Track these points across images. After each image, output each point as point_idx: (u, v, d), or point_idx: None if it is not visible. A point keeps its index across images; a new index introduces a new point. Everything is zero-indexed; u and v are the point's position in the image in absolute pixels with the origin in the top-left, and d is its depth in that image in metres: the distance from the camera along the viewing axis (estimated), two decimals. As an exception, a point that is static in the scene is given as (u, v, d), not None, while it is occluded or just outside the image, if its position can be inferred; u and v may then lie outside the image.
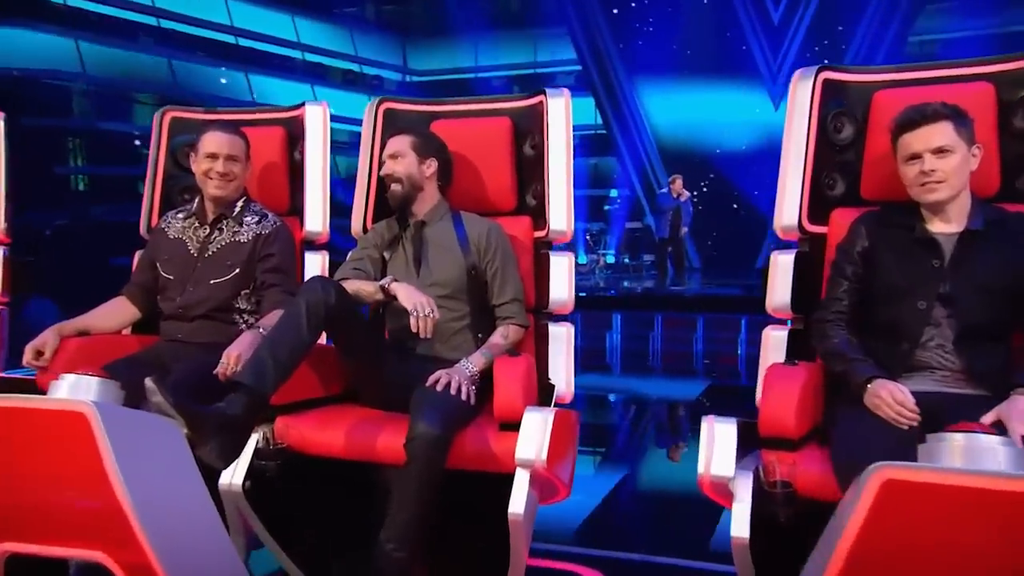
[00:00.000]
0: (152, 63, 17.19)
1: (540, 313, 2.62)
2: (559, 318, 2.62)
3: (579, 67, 19.40)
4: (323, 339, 2.39)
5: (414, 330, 2.25)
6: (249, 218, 2.75)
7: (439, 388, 2.26)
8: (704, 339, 9.11)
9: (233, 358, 2.28)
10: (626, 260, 17.33)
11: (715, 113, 17.60)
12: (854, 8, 17.01)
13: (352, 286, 2.42)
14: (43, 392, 2.23)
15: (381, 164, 2.67)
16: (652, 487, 3.98)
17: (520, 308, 2.56)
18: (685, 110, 17.78)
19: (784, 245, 2.37)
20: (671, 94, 17.99)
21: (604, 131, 19.10)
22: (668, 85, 18.02)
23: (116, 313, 2.78)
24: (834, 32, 17.26)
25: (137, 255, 3.00)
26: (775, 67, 17.77)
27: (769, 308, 2.34)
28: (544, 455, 2.07)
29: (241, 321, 2.70)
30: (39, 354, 2.49)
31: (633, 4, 18.40)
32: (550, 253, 2.61)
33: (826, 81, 2.34)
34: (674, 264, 13.09)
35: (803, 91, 2.33)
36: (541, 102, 2.67)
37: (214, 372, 2.30)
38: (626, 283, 14.88)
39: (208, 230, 2.75)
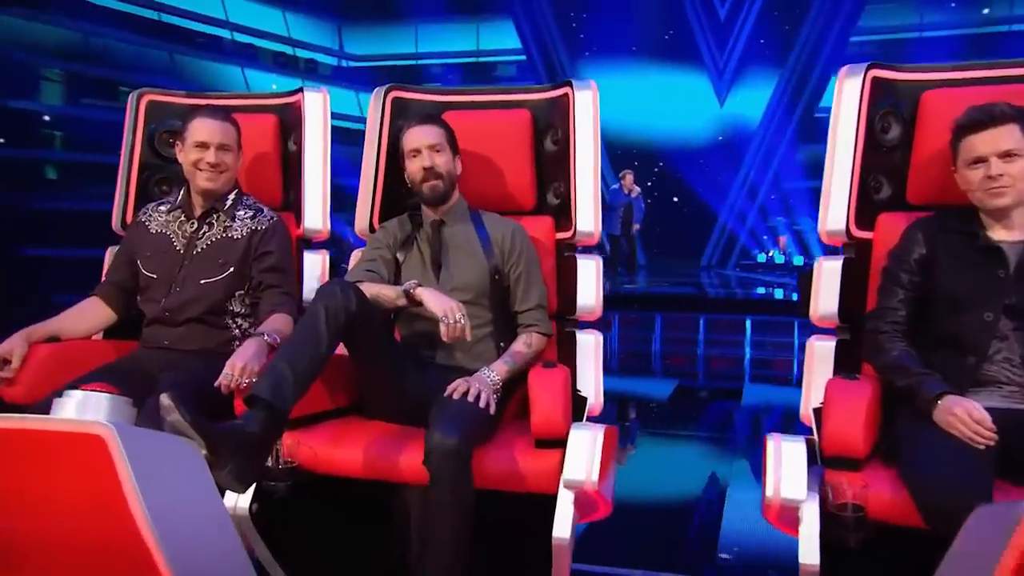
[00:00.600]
0: (66, 37, 16.37)
1: (563, 320, 2.53)
2: (584, 325, 2.53)
3: (523, 57, 19.36)
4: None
5: (444, 338, 2.14)
6: (242, 212, 2.58)
7: (456, 396, 2.15)
8: (661, 339, 9.16)
9: (238, 368, 2.14)
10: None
11: (661, 107, 17.80)
12: (799, 5, 17.41)
13: (371, 290, 2.28)
14: (13, 408, 2.10)
15: (392, 156, 2.53)
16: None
17: (544, 315, 2.46)
18: (631, 104, 17.91)
19: (829, 251, 2.33)
20: (617, 87, 18.08)
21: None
22: (614, 78, 18.13)
23: (89, 316, 2.58)
24: (780, 29, 17.63)
25: (110, 251, 2.80)
26: (721, 63, 18.07)
27: (814, 317, 2.30)
28: (596, 475, 1.98)
29: (234, 325, 2.53)
30: (5, 363, 2.30)
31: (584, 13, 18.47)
32: (577, 256, 2.51)
33: (875, 79, 2.30)
34: (626, 262, 13.16)
35: (851, 89, 2.29)
36: (567, 94, 2.58)
37: (216, 384, 2.15)
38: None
39: (196, 225, 2.57)
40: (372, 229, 2.67)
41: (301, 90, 2.80)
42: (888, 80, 2.32)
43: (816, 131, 17.91)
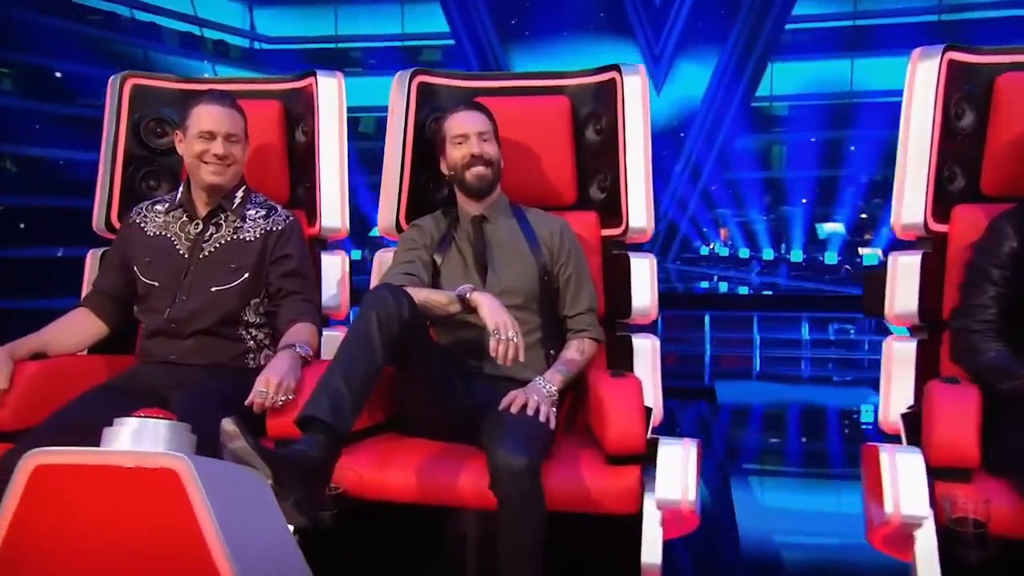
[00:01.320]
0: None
1: (613, 324, 2.44)
2: (636, 329, 2.45)
3: (452, 41, 19.20)
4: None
5: (493, 354, 2.02)
6: (253, 211, 2.40)
7: (514, 410, 2.05)
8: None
9: (274, 385, 2.01)
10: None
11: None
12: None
13: (418, 295, 2.13)
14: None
15: (425, 145, 2.38)
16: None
17: (595, 319, 2.37)
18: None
19: (903, 245, 2.30)
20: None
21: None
22: (546, 64, 18.13)
23: (78, 329, 2.38)
24: (716, 15, 17.96)
25: (93, 255, 2.59)
26: (657, 50, 18.29)
27: (889, 316, 2.26)
28: (692, 493, 1.90)
29: (248, 337, 2.36)
30: None
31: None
32: (630, 255, 2.43)
33: (951, 62, 2.28)
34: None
35: (926, 73, 2.25)
36: (613, 80, 2.49)
37: (247, 402, 2.01)
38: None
39: (201, 226, 2.37)
40: (399, 228, 2.53)
41: (313, 74, 2.62)
42: (965, 63, 2.30)
43: (759, 121, 18.36)
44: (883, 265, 2.31)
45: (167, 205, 2.42)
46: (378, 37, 20.57)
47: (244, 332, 2.35)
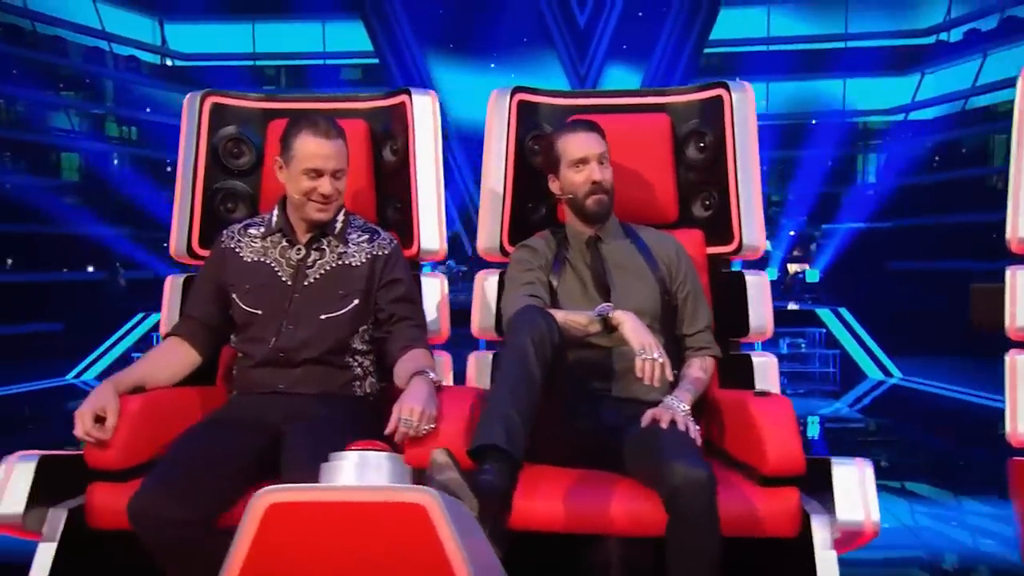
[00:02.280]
0: None
1: (725, 342, 2.42)
2: (746, 347, 2.44)
3: (376, 60, 19.02)
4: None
5: (640, 374, 1.98)
6: (355, 235, 2.29)
7: (665, 425, 2.00)
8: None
9: (417, 413, 1.92)
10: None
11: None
12: (656, 15, 18.24)
13: (558, 316, 2.07)
14: (104, 472, 1.91)
15: (537, 164, 2.32)
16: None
17: (712, 337, 2.35)
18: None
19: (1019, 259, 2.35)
20: (477, 96, 18.09)
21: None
22: (472, 85, 18.14)
23: (174, 360, 2.23)
24: (639, 38, 18.38)
25: (171, 282, 2.45)
26: (583, 70, 18.57)
27: (1010, 330, 2.32)
28: (876, 513, 1.88)
29: (355, 364, 2.25)
30: (99, 419, 1.95)
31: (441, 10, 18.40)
32: (745, 272, 2.42)
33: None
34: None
35: None
36: (720, 96, 2.48)
37: (387, 432, 1.92)
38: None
39: (303, 251, 2.25)
40: (502, 251, 2.47)
41: (406, 92, 2.53)
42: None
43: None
44: (993, 280, 2.36)
45: (262, 229, 2.29)
46: (298, 55, 20.18)
47: (352, 360, 2.24)
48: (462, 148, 17.87)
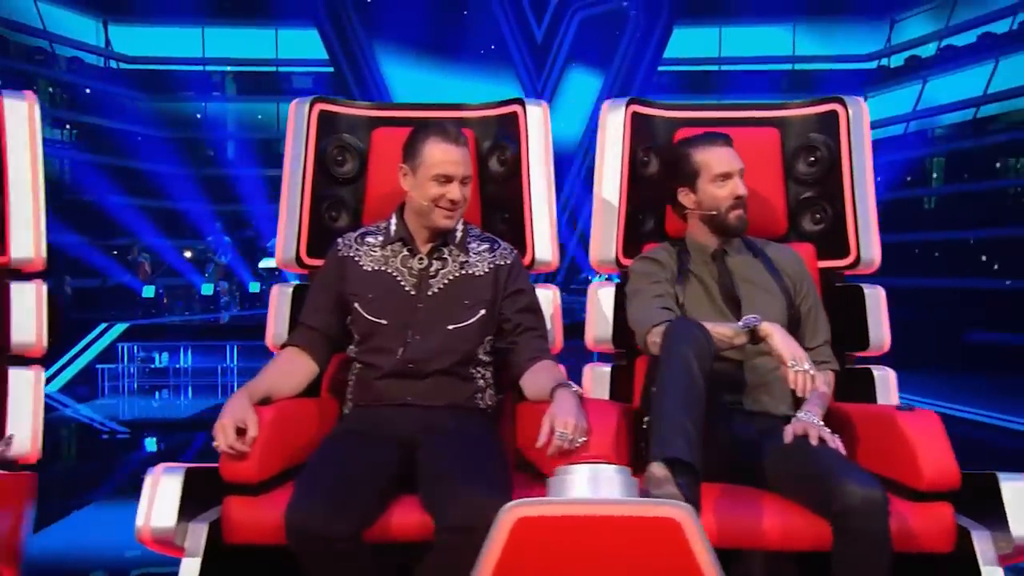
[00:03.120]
0: None
1: (841, 356, 2.41)
2: (865, 360, 2.45)
3: (331, 68, 18.81)
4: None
5: (792, 386, 1.97)
6: (475, 244, 2.25)
7: (814, 441, 1.98)
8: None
9: (571, 426, 1.87)
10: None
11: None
12: (615, 29, 18.46)
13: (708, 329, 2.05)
14: (239, 486, 1.86)
15: (651, 175, 2.30)
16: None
17: (831, 351, 2.35)
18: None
19: None
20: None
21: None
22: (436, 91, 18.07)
23: (296, 371, 2.16)
24: (598, 53, 18.58)
25: (278, 292, 2.40)
26: (540, 84, 18.66)
27: None
28: (1048, 530, 1.89)
29: (478, 375, 2.20)
30: (241, 432, 1.88)
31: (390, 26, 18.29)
32: (863, 286, 2.43)
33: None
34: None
35: None
36: (834, 111, 2.49)
37: (538, 444, 1.87)
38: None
39: (425, 261, 2.19)
40: (618, 262, 2.46)
41: (519, 101, 2.50)
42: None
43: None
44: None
45: (381, 238, 2.23)
46: (249, 61, 19.80)
47: (475, 371, 2.19)
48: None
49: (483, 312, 2.17)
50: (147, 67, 19.55)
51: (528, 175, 2.47)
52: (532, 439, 2.06)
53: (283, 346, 2.20)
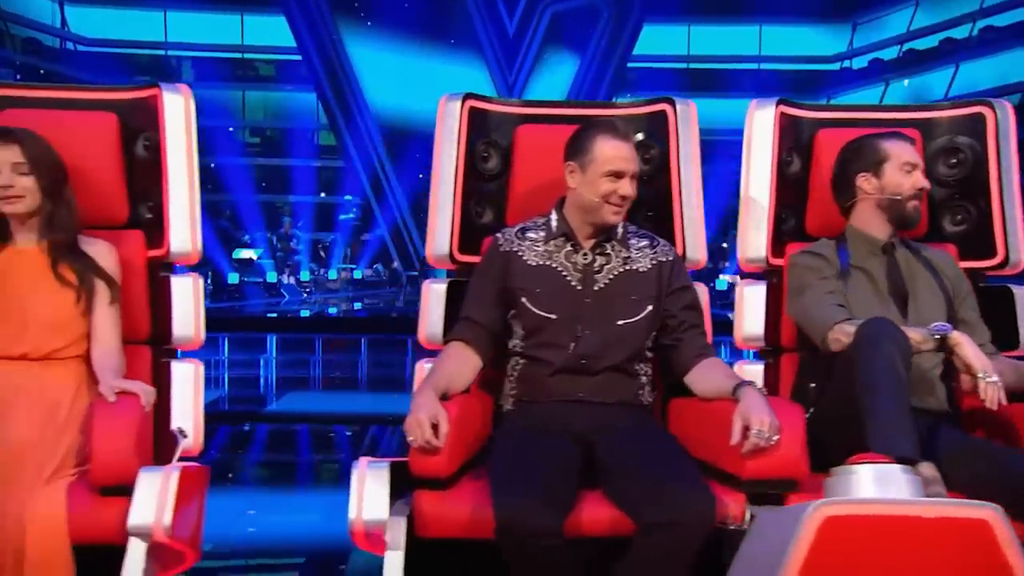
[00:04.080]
0: None
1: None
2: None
3: (299, 56, 18.43)
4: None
5: (982, 397, 1.99)
6: (634, 240, 2.24)
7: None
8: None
9: (767, 424, 1.85)
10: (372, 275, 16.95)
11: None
12: (585, 24, 18.44)
13: None
14: (428, 480, 1.83)
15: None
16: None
17: (994, 348, 2.34)
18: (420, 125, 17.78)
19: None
20: (404, 106, 17.63)
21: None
22: (399, 91, 17.80)
23: (466, 366, 2.14)
24: (569, 47, 18.54)
25: (430, 289, 2.40)
26: (511, 78, 18.56)
27: None
28: None
29: (642, 372, 2.19)
30: (435, 427, 1.84)
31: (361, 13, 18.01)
32: (1012, 287, 2.44)
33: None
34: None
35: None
36: (981, 113, 2.51)
37: (733, 443, 1.85)
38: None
39: (589, 256, 2.16)
40: (767, 261, 2.45)
41: (669, 100, 2.46)
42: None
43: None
44: None
45: (542, 233, 2.21)
46: (213, 47, 19.28)
47: (639, 367, 2.18)
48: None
49: (650, 308, 2.15)
50: (106, 50, 18.88)
51: (679, 174, 2.43)
52: (687, 435, 2.08)
53: (446, 341, 2.17)
